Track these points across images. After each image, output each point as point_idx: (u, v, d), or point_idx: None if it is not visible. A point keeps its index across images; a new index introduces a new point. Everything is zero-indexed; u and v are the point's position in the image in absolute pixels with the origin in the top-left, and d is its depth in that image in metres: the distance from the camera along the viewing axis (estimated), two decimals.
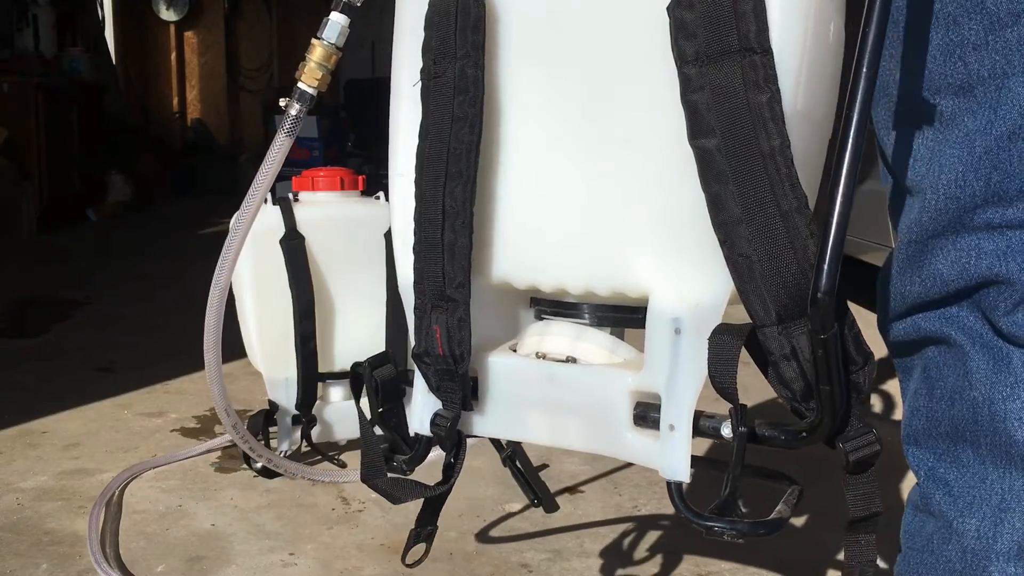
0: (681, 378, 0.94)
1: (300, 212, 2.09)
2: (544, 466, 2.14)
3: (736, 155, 0.87)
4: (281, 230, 2.06)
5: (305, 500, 1.98)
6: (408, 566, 1.22)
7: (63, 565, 1.70)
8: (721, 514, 0.92)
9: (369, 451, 1.11)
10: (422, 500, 1.14)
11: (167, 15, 9.62)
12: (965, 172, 0.88)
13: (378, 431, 1.14)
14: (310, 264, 2.08)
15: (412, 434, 1.10)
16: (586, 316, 1.08)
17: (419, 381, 1.08)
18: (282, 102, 1.48)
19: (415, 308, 1.05)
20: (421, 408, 1.09)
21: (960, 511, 0.93)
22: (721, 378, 0.89)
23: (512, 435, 1.12)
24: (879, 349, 0.94)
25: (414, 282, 1.04)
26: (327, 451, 2.17)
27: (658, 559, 1.74)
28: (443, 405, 1.06)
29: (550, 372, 1.04)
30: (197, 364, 2.93)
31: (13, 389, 2.76)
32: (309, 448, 2.15)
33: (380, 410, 1.13)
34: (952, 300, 0.93)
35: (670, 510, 1.94)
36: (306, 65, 1.44)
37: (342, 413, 2.18)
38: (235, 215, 1.64)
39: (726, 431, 0.93)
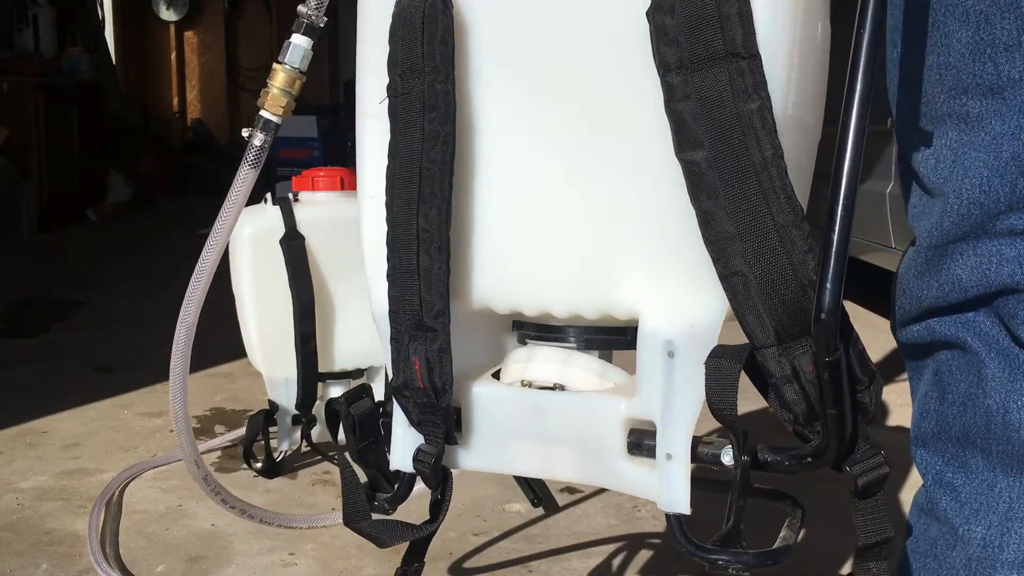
0: (677, 404, 0.90)
1: (300, 212, 2.09)
2: None
3: (726, 168, 0.83)
4: (281, 230, 2.05)
5: (305, 500, 1.98)
6: None
7: (63, 565, 1.69)
8: (724, 546, 0.88)
9: (350, 492, 1.05)
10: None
11: (167, 15, 9.62)
12: (990, 177, 0.84)
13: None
14: (310, 264, 2.08)
15: (393, 470, 1.05)
16: (572, 339, 1.02)
17: (399, 415, 1.03)
18: (245, 132, 1.39)
19: (391, 339, 0.99)
20: (402, 444, 1.03)
21: (966, 518, 0.91)
22: (720, 404, 0.85)
23: (500, 468, 1.05)
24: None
25: (389, 311, 0.99)
26: (327, 451, 2.18)
27: (658, 559, 1.74)
28: (425, 440, 1.01)
29: (536, 402, 0.99)
30: (197, 364, 2.94)
31: (13, 389, 2.76)
32: (309, 448, 2.15)
33: (358, 447, 1.07)
34: (969, 306, 0.90)
35: None
36: (269, 92, 1.35)
37: None
38: (201, 255, 1.51)
39: (727, 459, 0.89)
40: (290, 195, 2.14)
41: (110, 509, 1.93)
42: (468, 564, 1.72)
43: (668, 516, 0.92)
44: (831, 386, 0.82)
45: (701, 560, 0.88)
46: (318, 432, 2.15)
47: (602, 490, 2.04)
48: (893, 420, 2.57)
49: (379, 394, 2.15)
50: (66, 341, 3.38)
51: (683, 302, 0.90)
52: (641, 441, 0.93)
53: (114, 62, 8.86)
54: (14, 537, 1.80)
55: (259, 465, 2.10)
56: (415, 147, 0.94)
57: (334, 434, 1.10)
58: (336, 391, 2.19)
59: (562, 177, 0.94)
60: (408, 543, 1.13)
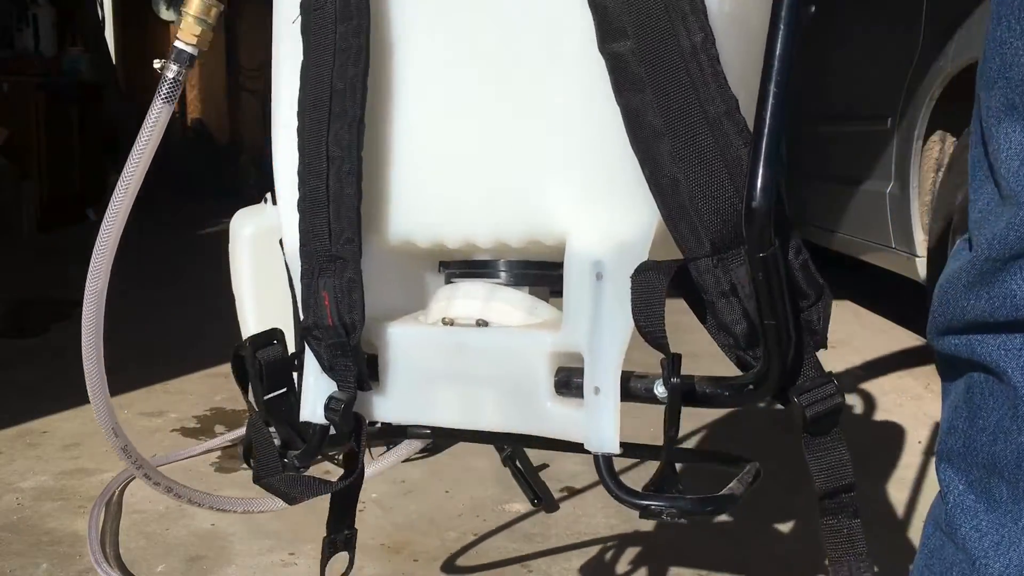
0: (605, 330, 0.83)
1: None
2: (544, 466, 2.14)
3: (652, 57, 0.77)
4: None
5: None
6: None
7: (63, 565, 1.69)
8: (658, 490, 0.81)
9: (261, 447, 0.98)
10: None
11: (167, 15, 9.62)
12: None
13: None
14: None
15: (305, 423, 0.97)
16: (501, 275, 0.95)
17: (310, 361, 0.96)
18: (157, 63, 1.27)
19: (302, 275, 0.94)
20: (313, 392, 0.97)
21: (985, 550, 0.83)
22: (647, 322, 0.78)
23: (418, 418, 0.96)
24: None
25: (300, 245, 0.93)
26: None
27: (658, 559, 1.73)
28: (338, 386, 0.94)
29: (459, 339, 0.92)
30: (197, 364, 2.95)
31: (13, 389, 2.76)
32: None
33: (267, 398, 0.98)
34: (1018, 328, 0.80)
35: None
36: (183, 20, 1.25)
37: None
38: (114, 193, 1.37)
39: (660, 389, 0.81)
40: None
41: (110, 509, 1.93)
42: (468, 564, 1.72)
43: (596, 458, 0.85)
44: (766, 289, 0.75)
45: (632, 506, 0.82)
46: None
47: (602, 491, 2.04)
48: (896, 416, 2.57)
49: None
50: (66, 341, 3.38)
51: (612, 217, 0.84)
52: (569, 379, 0.87)
53: (114, 62, 8.86)
54: (14, 537, 1.80)
55: None
56: (326, 63, 0.89)
57: (242, 386, 1.02)
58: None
59: (482, 90, 0.88)
60: (330, 509, 1.05)
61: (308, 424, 0.99)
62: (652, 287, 0.78)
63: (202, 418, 2.53)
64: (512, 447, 2.10)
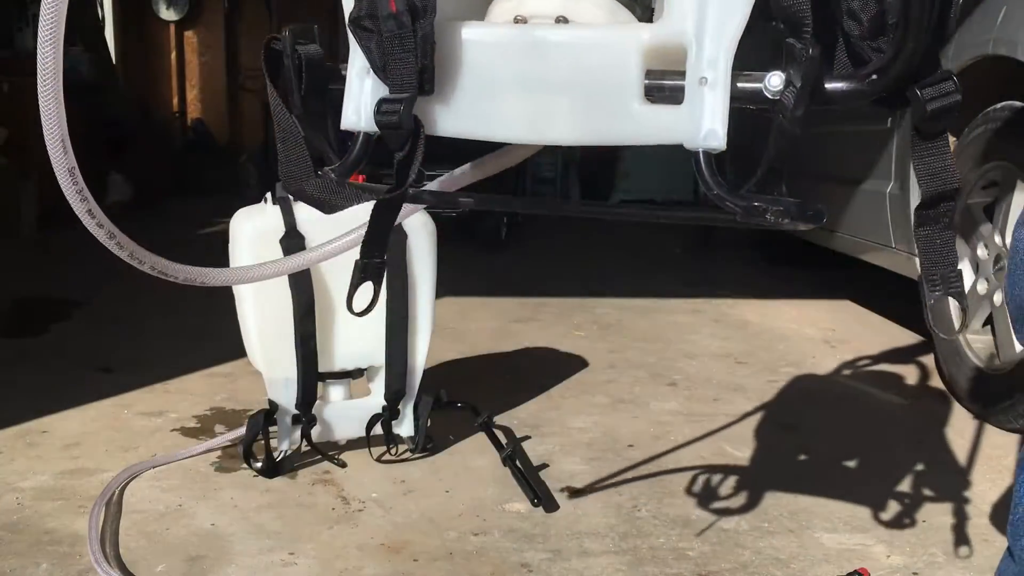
0: (715, 14, 0.74)
1: (300, 212, 2.08)
2: (544, 466, 2.14)
3: None
4: (281, 230, 2.05)
5: (305, 500, 1.99)
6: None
7: (63, 565, 1.70)
8: (761, 191, 0.77)
9: (291, 150, 0.87)
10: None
11: (167, 15, 9.63)
12: None
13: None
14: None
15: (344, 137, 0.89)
16: None
17: (355, 60, 0.85)
18: None
19: None
20: (358, 95, 0.85)
21: None
22: None
23: (482, 131, 0.85)
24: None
25: None
26: (327, 451, 2.18)
27: (658, 559, 1.74)
28: (391, 87, 0.82)
29: (535, 38, 0.82)
30: (197, 364, 2.95)
31: (13, 389, 2.76)
32: (309, 448, 2.16)
33: (304, 94, 0.87)
34: None
35: (670, 510, 1.94)
36: None
37: (342, 413, 2.18)
38: None
39: (774, 81, 0.74)
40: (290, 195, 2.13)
41: (110, 509, 1.93)
42: (468, 564, 1.72)
43: (697, 157, 0.77)
44: None
45: (733, 207, 0.76)
46: (318, 432, 2.15)
47: (602, 490, 2.04)
48: (896, 416, 2.57)
49: (378, 396, 2.11)
50: (66, 341, 3.38)
51: None
52: (662, 82, 0.78)
53: (114, 62, 8.86)
54: (14, 537, 1.80)
55: (259, 465, 2.10)
56: None
57: (273, 78, 0.89)
58: (336, 391, 2.19)
59: None
60: (369, 225, 0.94)
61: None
62: None
63: (202, 418, 2.53)
64: (512, 447, 2.10)
